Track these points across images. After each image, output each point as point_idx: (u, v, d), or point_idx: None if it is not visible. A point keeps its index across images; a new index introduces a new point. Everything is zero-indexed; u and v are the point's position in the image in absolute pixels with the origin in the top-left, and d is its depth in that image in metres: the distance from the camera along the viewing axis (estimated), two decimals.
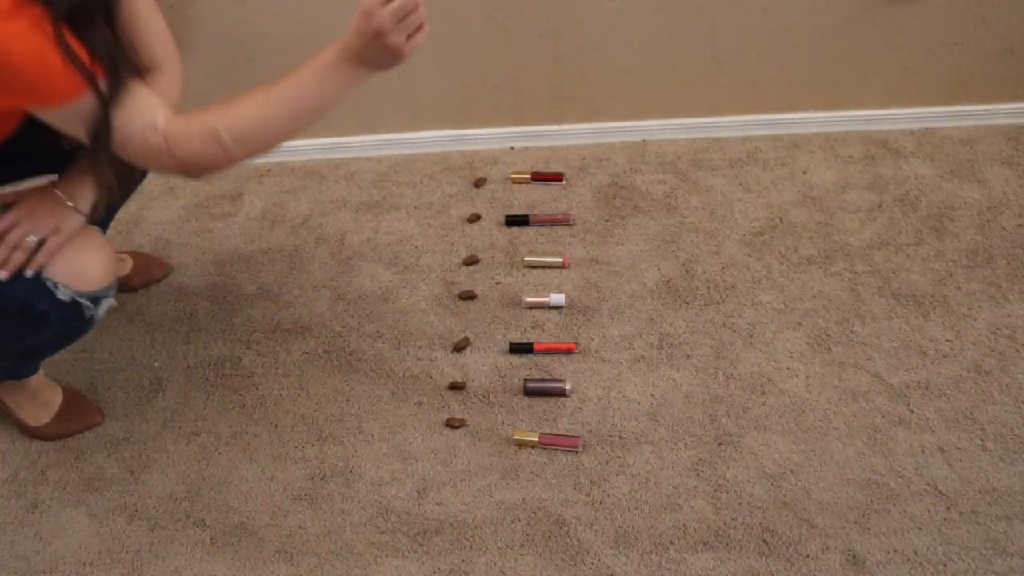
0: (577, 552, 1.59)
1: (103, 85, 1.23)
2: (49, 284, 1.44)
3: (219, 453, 1.75)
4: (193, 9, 2.01)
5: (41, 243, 1.42)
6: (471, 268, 2.03)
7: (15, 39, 1.16)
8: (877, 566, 1.55)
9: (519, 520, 1.64)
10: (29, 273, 1.42)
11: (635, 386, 1.81)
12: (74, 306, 1.46)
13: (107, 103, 1.24)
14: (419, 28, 1.24)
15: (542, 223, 2.11)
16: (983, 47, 2.14)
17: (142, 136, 1.28)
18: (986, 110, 2.24)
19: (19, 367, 1.70)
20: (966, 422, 1.73)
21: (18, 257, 1.41)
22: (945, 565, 1.55)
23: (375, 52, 1.24)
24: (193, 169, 1.33)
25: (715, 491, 1.65)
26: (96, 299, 1.48)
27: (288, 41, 2.00)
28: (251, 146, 1.31)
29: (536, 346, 1.87)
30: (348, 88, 1.28)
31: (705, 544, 1.59)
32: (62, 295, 1.44)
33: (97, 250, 1.49)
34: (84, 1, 1.21)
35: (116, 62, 1.24)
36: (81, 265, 1.46)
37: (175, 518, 1.67)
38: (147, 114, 1.27)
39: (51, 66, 1.18)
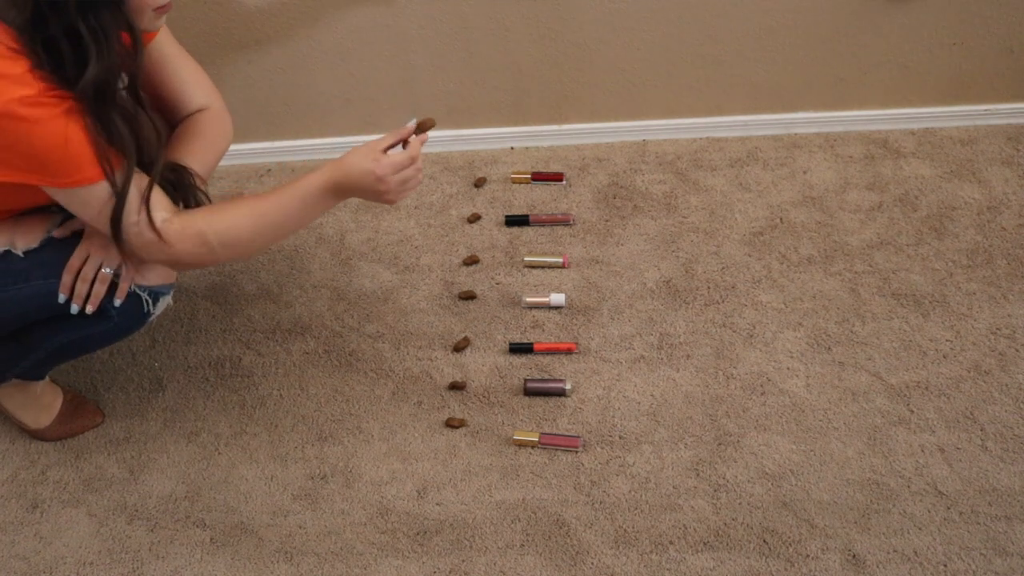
0: (577, 552, 1.59)
1: (118, 176, 1.31)
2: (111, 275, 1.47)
3: (219, 453, 1.75)
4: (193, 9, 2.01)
5: (117, 272, 1.46)
6: (471, 268, 2.03)
7: (39, 126, 1.24)
8: (877, 566, 1.55)
9: (519, 520, 1.64)
10: (117, 303, 1.47)
11: (635, 386, 1.81)
12: (134, 298, 1.49)
13: (119, 192, 1.32)
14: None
15: (542, 223, 2.11)
16: (983, 47, 2.14)
17: (138, 229, 1.36)
18: (986, 110, 2.24)
19: (46, 365, 1.68)
20: (966, 422, 1.73)
21: (99, 290, 1.46)
22: (945, 565, 1.55)
23: (368, 196, 1.45)
24: (181, 265, 1.48)
25: (715, 491, 1.65)
26: (155, 295, 1.51)
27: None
28: (237, 253, 1.46)
29: (536, 346, 1.87)
30: (327, 210, 1.47)
31: (705, 544, 1.59)
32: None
33: None
34: (107, 80, 1.27)
35: (130, 151, 1.32)
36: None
37: (175, 518, 1.67)
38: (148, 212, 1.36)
39: (71, 152, 1.27)
